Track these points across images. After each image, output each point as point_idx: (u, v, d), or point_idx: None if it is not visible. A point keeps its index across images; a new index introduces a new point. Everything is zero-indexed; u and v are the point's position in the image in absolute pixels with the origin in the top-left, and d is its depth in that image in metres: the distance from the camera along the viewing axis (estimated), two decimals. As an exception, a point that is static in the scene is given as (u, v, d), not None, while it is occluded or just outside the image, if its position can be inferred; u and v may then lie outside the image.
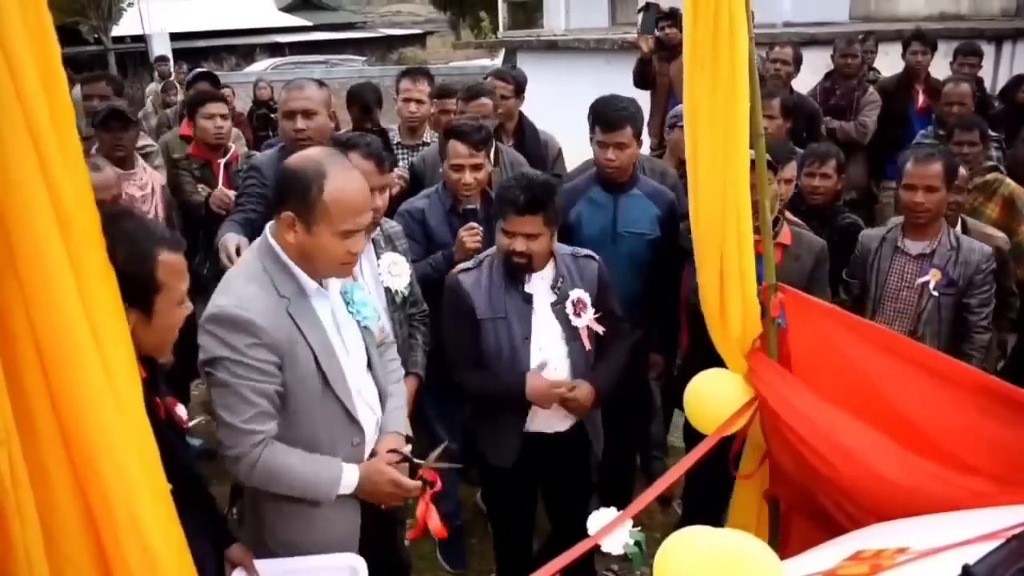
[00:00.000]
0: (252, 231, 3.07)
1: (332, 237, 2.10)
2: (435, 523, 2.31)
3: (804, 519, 2.64)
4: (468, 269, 2.92)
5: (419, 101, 4.40)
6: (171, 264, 1.71)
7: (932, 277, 3.28)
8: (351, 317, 2.35)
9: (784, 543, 2.72)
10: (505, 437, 2.94)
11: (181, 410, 1.81)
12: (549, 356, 2.86)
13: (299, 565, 2.21)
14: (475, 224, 3.28)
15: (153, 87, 8.25)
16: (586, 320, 2.88)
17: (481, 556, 3.67)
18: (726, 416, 2.61)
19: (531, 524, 3.19)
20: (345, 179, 2.11)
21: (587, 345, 2.90)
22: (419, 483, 2.28)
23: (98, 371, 1.14)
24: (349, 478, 2.22)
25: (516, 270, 2.82)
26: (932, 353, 2.50)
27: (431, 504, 2.31)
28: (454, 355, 2.95)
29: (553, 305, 2.87)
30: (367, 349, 2.39)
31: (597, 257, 3.01)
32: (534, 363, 2.85)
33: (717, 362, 2.71)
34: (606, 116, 3.43)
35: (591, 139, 3.58)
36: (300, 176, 2.09)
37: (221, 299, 2.12)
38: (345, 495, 2.25)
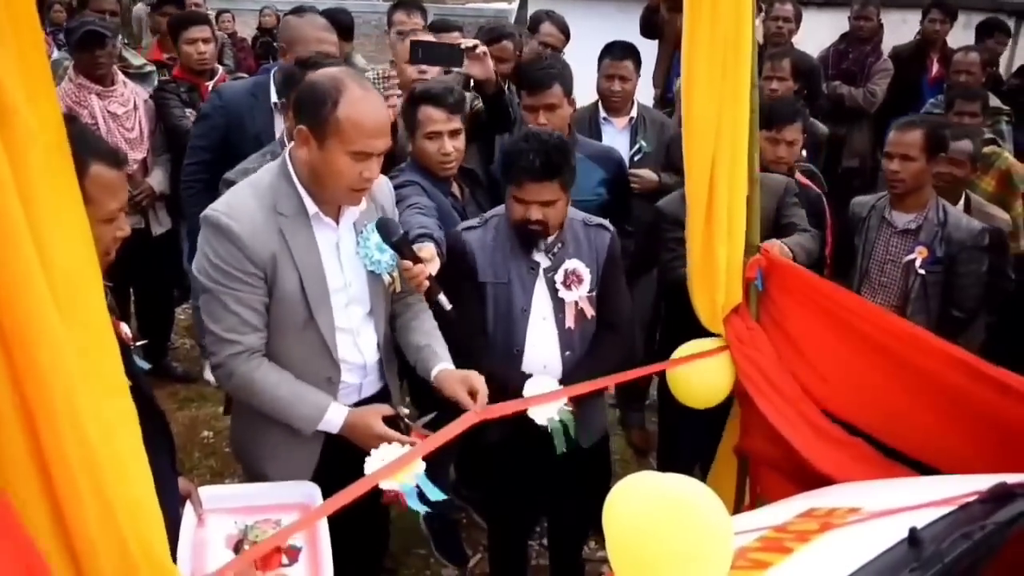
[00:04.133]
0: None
1: (344, 157, 2.04)
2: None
3: (775, 474, 2.61)
4: (473, 227, 2.67)
5: (414, 34, 4.26)
6: (103, 179, 1.65)
7: (918, 255, 3.16)
8: (359, 256, 2.27)
9: (754, 497, 2.72)
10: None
11: (125, 328, 1.79)
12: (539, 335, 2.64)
13: (251, 491, 2.18)
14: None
15: (141, 7, 8.12)
16: (576, 295, 2.62)
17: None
18: (708, 389, 2.63)
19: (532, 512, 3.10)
20: (362, 98, 2.05)
21: (569, 323, 2.64)
22: (406, 438, 2.20)
23: (34, 265, 1.13)
24: (335, 417, 2.20)
25: (530, 238, 2.58)
26: (913, 329, 2.43)
27: None
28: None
29: (545, 272, 2.62)
30: (370, 294, 2.32)
31: (612, 229, 2.74)
32: (529, 340, 2.63)
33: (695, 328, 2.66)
34: (531, 76, 3.24)
35: (519, 104, 3.37)
36: (317, 90, 2.05)
37: (218, 203, 2.15)
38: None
